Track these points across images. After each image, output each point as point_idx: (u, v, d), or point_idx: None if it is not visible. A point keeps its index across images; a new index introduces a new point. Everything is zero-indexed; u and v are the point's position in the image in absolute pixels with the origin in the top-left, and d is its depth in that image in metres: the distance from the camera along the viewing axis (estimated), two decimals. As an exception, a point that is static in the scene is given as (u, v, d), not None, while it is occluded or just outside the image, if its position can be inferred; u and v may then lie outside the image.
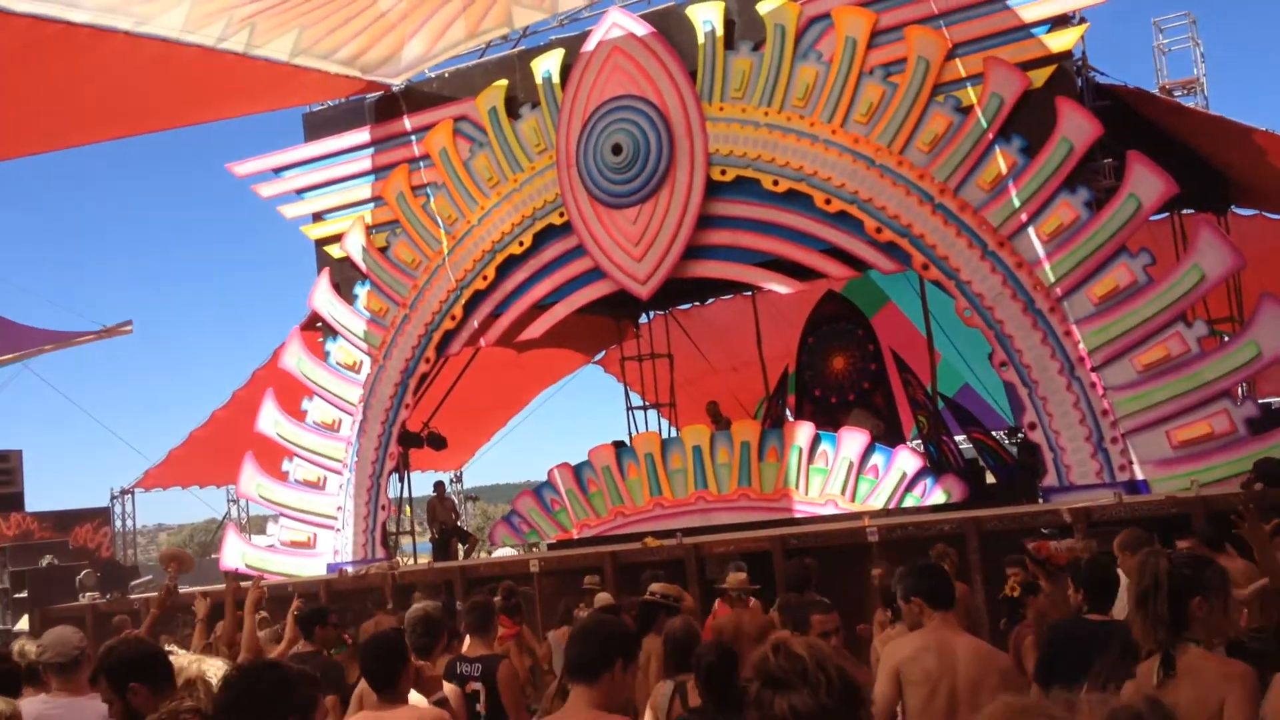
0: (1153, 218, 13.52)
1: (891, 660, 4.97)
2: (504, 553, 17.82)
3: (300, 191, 17.73)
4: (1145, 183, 12.35)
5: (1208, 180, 14.75)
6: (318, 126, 17.68)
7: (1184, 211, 15.32)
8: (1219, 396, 12.17)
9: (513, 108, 16.01)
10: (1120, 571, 6.77)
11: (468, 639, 7.02)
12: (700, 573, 12.54)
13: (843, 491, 13.95)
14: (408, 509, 18.61)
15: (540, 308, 16.06)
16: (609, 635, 3.82)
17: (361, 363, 17.15)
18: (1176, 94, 15.91)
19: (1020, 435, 15.42)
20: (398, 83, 16.94)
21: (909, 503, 13.57)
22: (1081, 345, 12.64)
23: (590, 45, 15.37)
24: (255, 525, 23.04)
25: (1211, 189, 15.05)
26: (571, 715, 3.73)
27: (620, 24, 15.18)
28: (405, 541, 18.96)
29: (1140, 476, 12.33)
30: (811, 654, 2.40)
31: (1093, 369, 12.60)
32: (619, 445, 16.12)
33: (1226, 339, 12.90)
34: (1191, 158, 14.06)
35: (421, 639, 6.15)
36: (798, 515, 14.06)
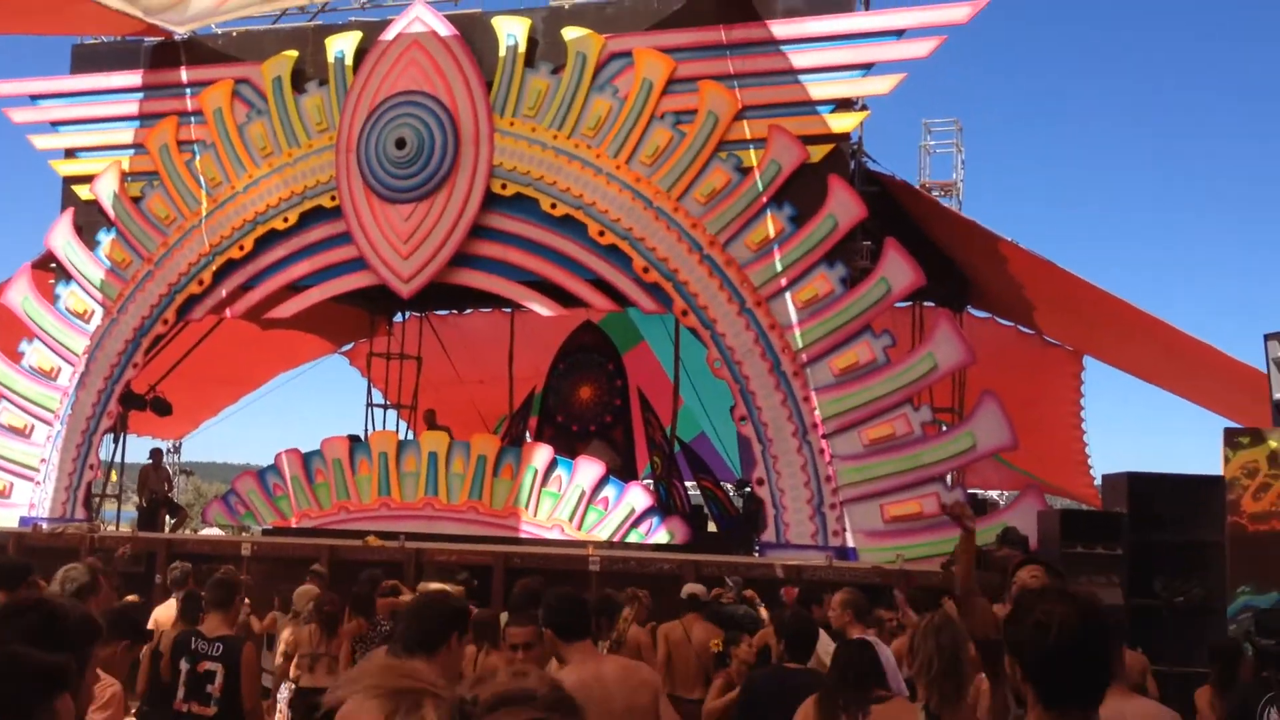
0: (898, 304, 14.30)
1: None
2: (213, 532, 17.16)
3: (56, 124, 16.75)
4: (897, 270, 13.08)
5: (951, 278, 15.69)
6: (86, 60, 16.76)
7: (926, 303, 16.25)
8: (932, 480, 12.95)
9: (299, 81, 15.59)
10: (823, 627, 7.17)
11: (206, 616, 6.73)
12: (418, 578, 12.40)
13: (571, 518, 14.09)
14: (115, 473, 17.69)
15: (295, 289, 15.62)
16: (445, 612, 4.19)
17: (93, 312, 16.26)
18: (935, 193, 16.92)
19: (746, 489, 15.96)
20: (181, 31, 16.18)
21: (633, 538, 13.83)
22: (817, 412, 13.22)
23: (390, 34, 15.14)
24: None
25: (953, 287, 16.02)
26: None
27: (424, 19, 15.03)
28: (110, 506, 17.98)
29: (851, 544, 12.96)
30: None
31: (824, 436, 13.20)
32: (354, 440, 15.80)
33: (945, 428, 13.76)
34: (939, 254, 14.94)
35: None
36: (523, 535, 14.11)
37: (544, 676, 1.32)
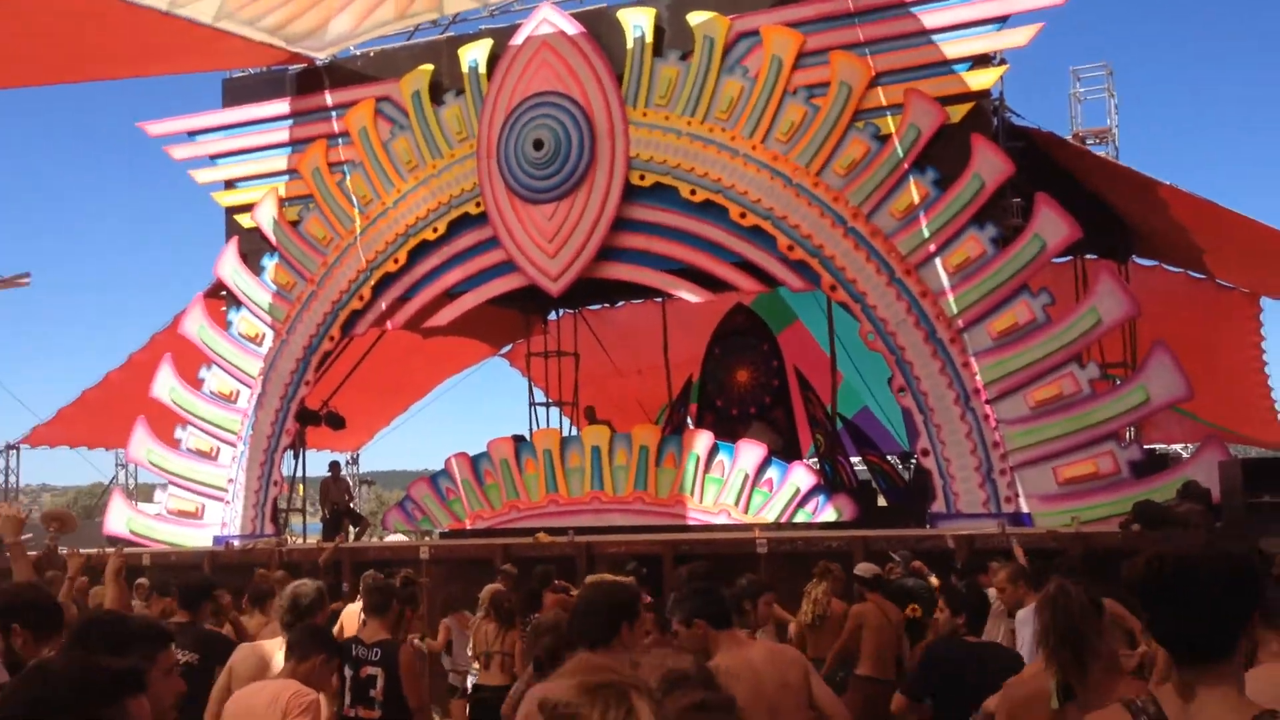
0: (1055, 260, 13.86)
1: None
2: (395, 538, 17.69)
3: (214, 157, 17.45)
4: (1051, 225, 12.67)
5: (1111, 228, 15.15)
6: (237, 93, 17.41)
7: (1086, 256, 15.71)
8: (1106, 438, 12.53)
9: (436, 93, 15.92)
10: (994, 597, 7.00)
11: (364, 620, 6.93)
12: (590, 571, 12.57)
13: (736, 502, 14.09)
14: (300, 487, 18.39)
15: (450, 295, 15.99)
16: (611, 603, 4.10)
17: (264, 335, 16.92)
18: (1089, 142, 16.32)
19: (913, 460, 15.70)
20: (322, 57, 16.74)
21: (800, 518, 13.75)
22: (978, 377, 12.92)
23: (519, 39, 15.33)
24: (143, 493, 22.54)
25: (1114, 237, 15.46)
26: None
27: (551, 20, 15.18)
28: (295, 520, 18.72)
29: (1025, 509, 12.63)
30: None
31: (987, 401, 12.89)
32: (518, 439, 16.09)
33: (1118, 383, 13.29)
34: (1098, 205, 14.43)
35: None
36: (690, 522, 14.16)
37: (686, 657, 1.38)
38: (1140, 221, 15.06)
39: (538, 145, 14.96)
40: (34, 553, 11.86)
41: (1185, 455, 17.20)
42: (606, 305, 20.43)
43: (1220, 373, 16.24)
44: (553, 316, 20.07)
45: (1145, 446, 14.51)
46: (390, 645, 6.25)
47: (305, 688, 4.70)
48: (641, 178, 14.55)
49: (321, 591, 5.82)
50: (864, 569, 9.06)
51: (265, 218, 16.85)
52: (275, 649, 5.58)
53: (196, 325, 17.31)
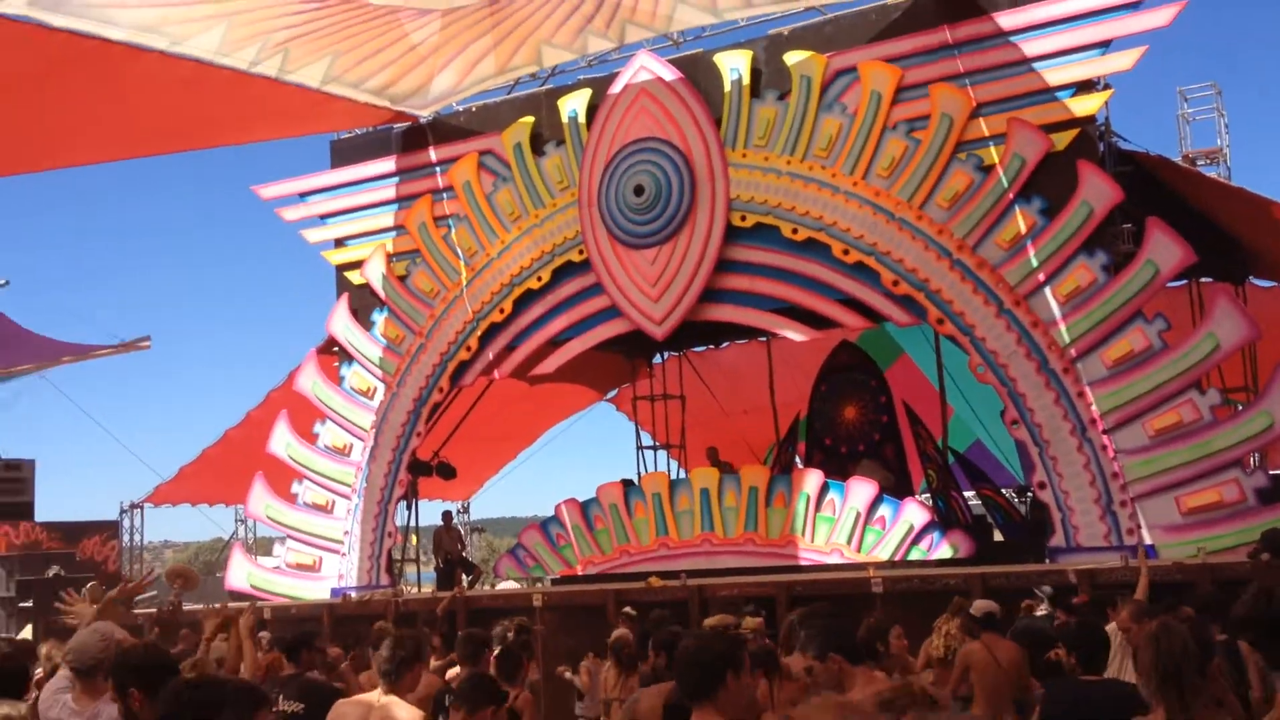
0: (1170, 284, 13.56)
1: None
2: (507, 585, 17.83)
3: (324, 217, 17.89)
4: (1164, 249, 12.41)
5: (1226, 250, 14.78)
6: (344, 153, 17.86)
7: (1202, 280, 15.34)
8: (1230, 465, 12.17)
9: (537, 144, 16.16)
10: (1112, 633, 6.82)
11: (457, 669, 7.03)
12: (702, 614, 12.52)
13: (849, 541, 13.95)
14: (414, 537, 18.63)
15: (555, 343, 16.14)
16: (713, 653, 3.91)
17: (376, 389, 17.24)
18: (1199, 163, 15.96)
19: (1029, 494, 15.40)
20: (425, 114, 17.12)
21: (915, 555, 13.56)
22: (1094, 407, 12.66)
23: (617, 87, 15.52)
24: (262, 546, 23.06)
25: (1230, 259, 15.08)
26: None
27: (648, 67, 15.34)
28: (410, 569, 18.96)
29: (1148, 541, 12.30)
30: None
31: (1104, 431, 12.62)
32: (627, 484, 16.14)
33: (1240, 408, 12.91)
34: (1210, 227, 14.10)
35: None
36: (803, 562, 14.05)
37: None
38: (1256, 242, 14.68)
39: (638, 191, 15.09)
40: (151, 610, 12.18)
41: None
42: (711, 347, 20.46)
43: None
44: (658, 360, 20.13)
45: (1272, 472, 14.05)
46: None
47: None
48: (743, 219, 14.58)
49: (419, 641, 5.89)
50: (978, 607, 8.87)
51: (374, 274, 17.21)
52: (374, 699, 5.65)
53: (310, 381, 17.70)
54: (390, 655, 5.59)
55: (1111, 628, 6.95)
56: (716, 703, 3.84)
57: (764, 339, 18.53)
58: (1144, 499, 12.47)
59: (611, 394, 22.13)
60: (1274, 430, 12.12)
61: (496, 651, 7.23)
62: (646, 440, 19.81)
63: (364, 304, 17.44)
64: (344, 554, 17.22)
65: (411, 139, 17.29)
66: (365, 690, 6.76)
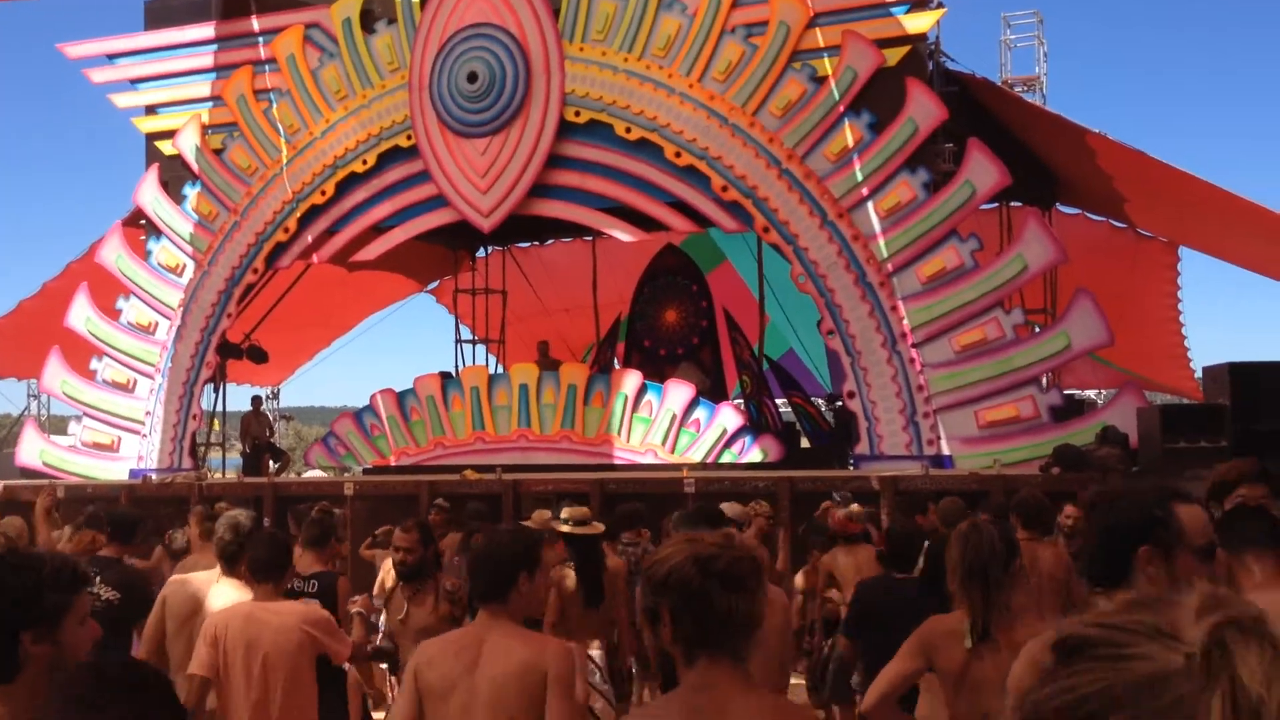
0: (983, 206, 14.02)
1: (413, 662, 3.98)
2: (315, 474, 17.54)
3: (135, 82, 16.97)
4: (982, 171, 12.81)
5: (1037, 175, 15.32)
6: (159, 15, 16.90)
7: (1012, 203, 15.91)
8: (1027, 383, 12.78)
9: (368, 21, 15.59)
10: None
11: (301, 553, 6.89)
12: (516, 508, 12.60)
13: (664, 442, 14.16)
14: (215, 422, 18.12)
15: (378, 230, 15.77)
16: (506, 555, 3.90)
17: (185, 266, 16.57)
18: (1018, 89, 16.47)
19: (838, 403, 15.89)
20: (249, -20, 16.28)
21: (726, 458, 13.87)
22: (906, 321, 13.07)
23: (454, -33, 15.04)
24: (56, 424, 22.09)
25: (1039, 185, 15.65)
26: (485, 632, 3.81)
27: (487, -50, 14.90)
28: (214, 454, 18.46)
29: (946, 452, 12.86)
30: None
31: (914, 345, 13.06)
32: (445, 376, 16.00)
33: (1039, 329, 13.53)
34: (1025, 152, 14.59)
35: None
36: (618, 461, 14.22)
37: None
38: (1066, 170, 15.27)
39: (471, 78, 14.75)
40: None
41: (1099, 400, 17.64)
42: (536, 243, 20.30)
43: (1136, 321, 16.61)
44: (481, 253, 19.92)
45: (1065, 391, 14.82)
46: (327, 577, 6.25)
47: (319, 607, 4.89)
48: (577, 114, 14.42)
49: (255, 519, 5.79)
50: (730, 509, 8.62)
51: (187, 145, 16.44)
52: (210, 579, 5.54)
53: (114, 254, 16.90)
54: (233, 538, 5.45)
55: None
56: (508, 605, 3.84)
57: (589, 238, 18.49)
58: (945, 411, 12.99)
59: (433, 285, 21.80)
60: (1071, 351, 12.76)
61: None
62: (466, 334, 19.65)
63: (175, 176, 16.67)
64: (144, 435, 16.66)
65: (233, 5, 16.43)
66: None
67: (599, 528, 7.32)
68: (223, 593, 5.33)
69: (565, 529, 7.05)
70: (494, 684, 3.69)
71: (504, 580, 3.84)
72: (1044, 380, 13.86)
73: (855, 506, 9.25)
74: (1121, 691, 0.89)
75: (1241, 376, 10.82)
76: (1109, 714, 0.89)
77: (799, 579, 8.77)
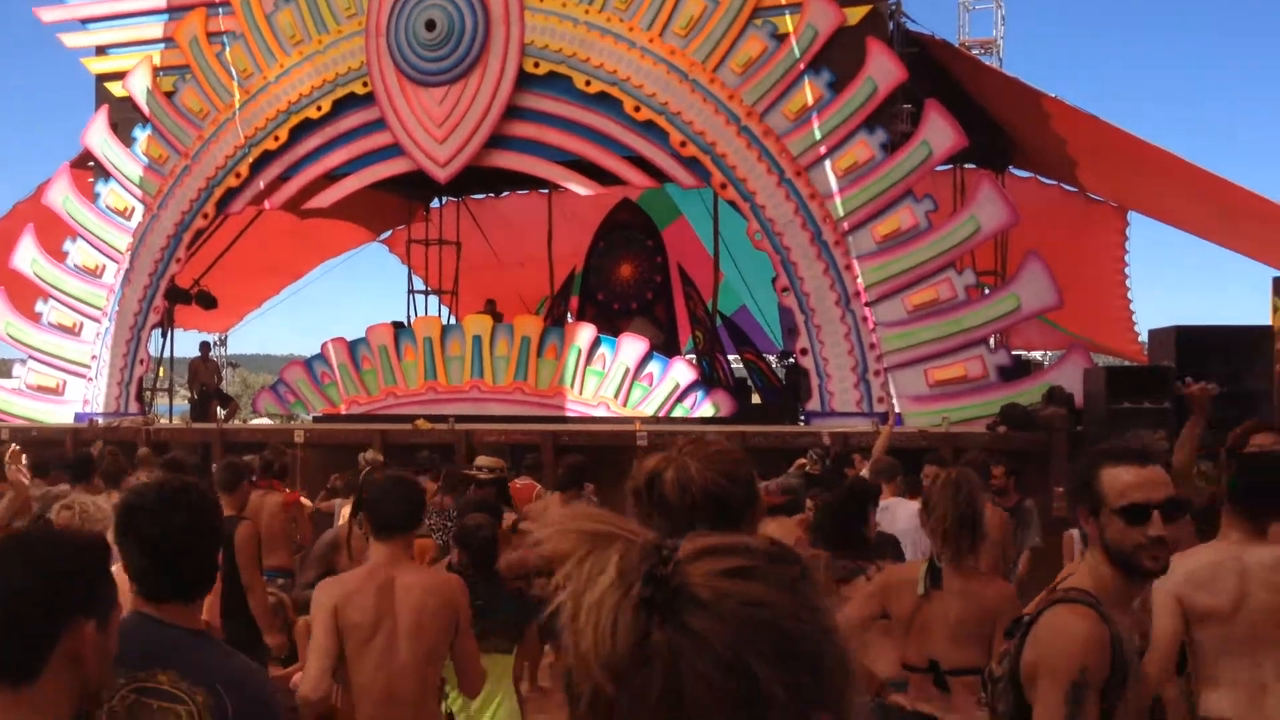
0: (938, 168, 14.14)
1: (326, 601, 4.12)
2: (264, 422, 17.46)
3: (86, 21, 16.66)
4: (939, 132, 12.90)
5: (992, 139, 15.45)
6: (110, -46, 16.56)
7: (967, 166, 16.05)
8: (976, 343, 12.96)
9: (326, -36, 15.37)
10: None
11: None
12: (469, 459, 12.61)
13: (616, 395, 14.23)
14: (162, 369, 17.95)
15: (332, 177, 15.62)
16: (418, 494, 4.25)
17: (133, 209, 16.35)
18: (975, 51, 16.57)
19: (789, 360, 16.02)
20: (203, -80, 15.98)
21: (678, 413, 13.96)
22: (860, 280, 13.19)
23: (413, -87, 14.85)
24: (1, 367, 21.78)
25: (993, 147, 15.78)
26: (392, 569, 4.08)
27: (447, -104, 14.72)
28: (161, 400, 18.29)
29: (897, 410, 13.02)
30: None
31: (867, 304, 13.18)
32: (398, 326, 15.95)
33: (989, 291, 13.70)
34: (980, 115, 14.70)
35: None
36: (570, 414, 14.27)
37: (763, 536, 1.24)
38: (1020, 133, 15.40)
39: (430, 26, 14.60)
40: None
41: (1046, 362, 17.91)
42: (491, 195, 20.20)
43: (1084, 284, 16.82)
44: (435, 204, 19.79)
45: (1013, 352, 15.05)
46: (230, 522, 6.30)
47: None
48: (536, 65, 14.33)
49: (185, 465, 5.79)
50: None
51: (138, 87, 16.18)
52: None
53: (62, 196, 16.65)
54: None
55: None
56: (408, 539, 4.23)
57: (545, 191, 18.43)
58: (896, 370, 13.15)
59: (386, 235, 21.63)
60: (1020, 312, 12.95)
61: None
62: (419, 285, 19.55)
63: (125, 118, 16.41)
64: (91, 379, 16.50)
65: (186, -55, 16.15)
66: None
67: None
68: None
69: (482, 475, 7.44)
70: (415, 617, 4.02)
71: (414, 515, 4.20)
72: (992, 341, 14.06)
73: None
74: None
75: (1187, 339, 11.05)
76: None
77: None
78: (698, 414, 13.92)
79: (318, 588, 4.23)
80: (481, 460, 7.88)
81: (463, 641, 4.12)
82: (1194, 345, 10.94)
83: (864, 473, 7.84)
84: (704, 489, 2.10)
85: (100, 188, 16.62)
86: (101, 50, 16.67)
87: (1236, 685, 3.82)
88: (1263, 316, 10.38)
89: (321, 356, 15.64)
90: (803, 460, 9.68)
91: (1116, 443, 2.95)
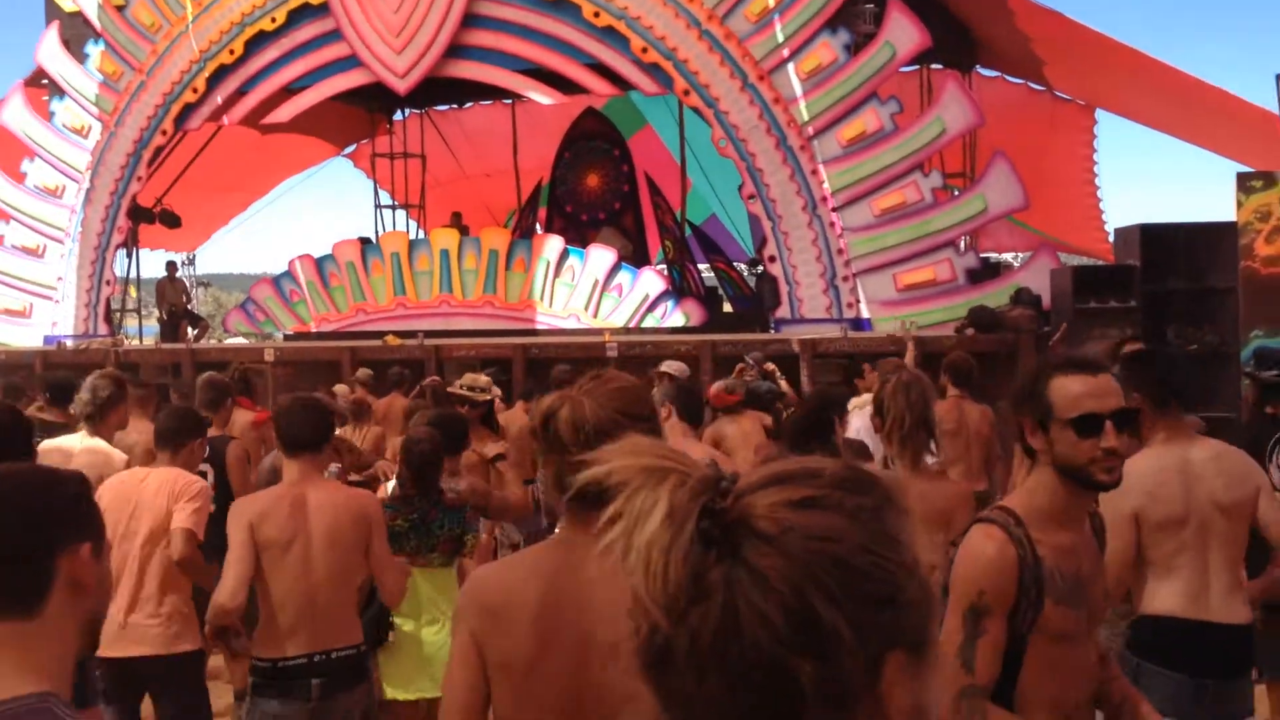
0: (903, 69, 13.98)
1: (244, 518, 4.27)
2: (236, 341, 17.37)
3: (29, -67, 16.19)
4: (902, 32, 12.75)
5: (957, 38, 15.27)
6: None
7: (933, 66, 15.87)
8: (944, 245, 12.94)
9: None
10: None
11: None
12: (440, 374, 12.60)
13: (586, 306, 14.20)
14: (133, 290, 17.80)
15: (290, 91, 15.35)
16: (324, 414, 4.48)
17: (90, 127, 16.06)
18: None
19: (759, 267, 15.98)
20: None
21: (649, 323, 13.96)
22: (826, 185, 13.11)
23: None
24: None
25: (959, 47, 15.61)
26: (304, 486, 4.24)
27: None
28: (130, 321, 18.16)
29: (865, 315, 13.04)
30: None
31: (834, 209, 13.12)
32: (365, 242, 15.83)
33: (956, 193, 13.64)
34: (945, 14, 14.50)
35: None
36: (540, 326, 14.25)
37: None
38: (986, 32, 15.22)
39: (383, -69, 14.26)
40: None
41: (1015, 263, 17.91)
42: (455, 106, 19.92)
43: (1052, 184, 16.79)
44: (399, 116, 19.51)
45: (981, 254, 15.03)
46: (219, 441, 6.30)
47: (191, 474, 4.90)
48: (492, -30, 14.04)
49: (121, 382, 5.74)
50: (672, 367, 8.73)
51: (88, 1, 15.80)
52: (75, 444, 5.47)
53: (17, 115, 16.33)
54: (91, 397, 5.45)
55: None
56: (320, 457, 4.37)
57: (509, 101, 18.18)
58: (864, 275, 13.14)
59: (349, 149, 21.35)
60: (987, 214, 12.92)
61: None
62: (385, 199, 19.35)
63: (77, 34, 16.03)
64: (58, 301, 16.33)
65: None
66: None
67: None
68: (89, 449, 5.37)
69: (479, 396, 7.19)
70: (329, 531, 4.19)
71: (321, 434, 4.32)
72: (961, 243, 14.04)
73: (770, 366, 9.39)
74: None
75: (1151, 238, 11.04)
76: None
77: (696, 449, 8.79)
78: (668, 323, 13.92)
79: (234, 504, 4.37)
80: (469, 378, 7.61)
81: (377, 551, 4.28)
82: (1158, 243, 10.94)
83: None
84: (598, 427, 2.06)
85: (55, 105, 16.29)
86: (48, -37, 16.23)
87: (1182, 579, 3.88)
88: (1229, 214, 10.35)
89: (289, 274, 15.52)
90: (741, 365, 9.62)
91: (1062, 352, 2.94)
